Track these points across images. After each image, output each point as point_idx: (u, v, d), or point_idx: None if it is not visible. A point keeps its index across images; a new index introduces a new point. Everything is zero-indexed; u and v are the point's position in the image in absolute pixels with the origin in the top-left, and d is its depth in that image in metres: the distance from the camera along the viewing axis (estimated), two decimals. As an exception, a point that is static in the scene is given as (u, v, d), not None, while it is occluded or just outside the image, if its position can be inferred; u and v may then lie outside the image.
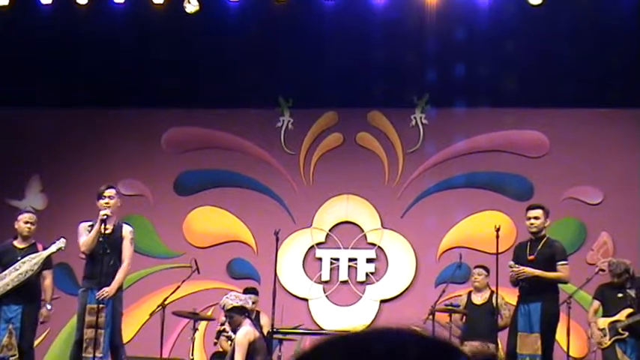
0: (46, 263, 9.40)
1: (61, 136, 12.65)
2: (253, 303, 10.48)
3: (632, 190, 11.81)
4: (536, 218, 9.14)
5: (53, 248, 9.30)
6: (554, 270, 9.01)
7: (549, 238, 9.24)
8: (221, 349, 10.25)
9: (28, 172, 12.70)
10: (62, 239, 9.31)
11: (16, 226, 9.57)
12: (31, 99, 12.40)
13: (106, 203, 8.89)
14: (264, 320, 10.51)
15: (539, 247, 9.10)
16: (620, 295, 9.83)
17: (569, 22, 11.11)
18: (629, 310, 9.73)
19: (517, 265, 9.02)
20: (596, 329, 9.82)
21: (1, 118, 12.75)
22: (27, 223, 9.54)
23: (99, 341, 8.57)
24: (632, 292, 9.79)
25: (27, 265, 9.28)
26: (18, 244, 9.51)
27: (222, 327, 9.52)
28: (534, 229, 9.15)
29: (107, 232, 8.80)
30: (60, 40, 11.67)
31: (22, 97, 12.34)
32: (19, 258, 9.34)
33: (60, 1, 11.35)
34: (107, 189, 9.03)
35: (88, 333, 8.66)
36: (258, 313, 10.57)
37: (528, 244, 9.23)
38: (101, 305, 8.65)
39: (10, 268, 9.28)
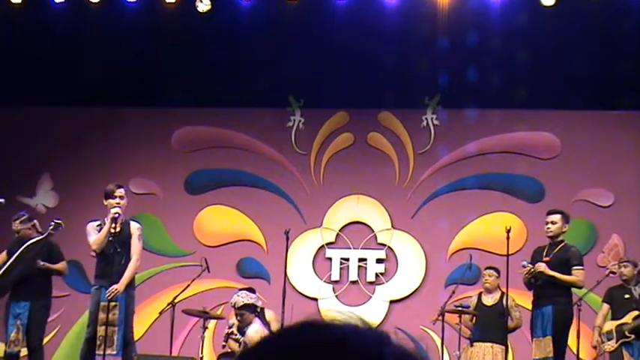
0: (55, 255, 9.40)
1: (72, 134, 12.67)
2: None
3: (644, 192, 11.78)
4: (553, 223, 9.19)
5: (49, 230, 9.25)
6: (569, 274, 9.02)
7: (567, 244, 9.29)
8: (229, 350, 10.25)
9: (39, 170, 12.73)
10: (54, 220, 9.26)
11: None
12: (43, 97, 12.42)
13: (117, 203, 8.91)
14: (269, 315, 10.51)
15: (556, 250, 9.15)
16: (627, 296, 9.86)
17: (580, 24, 11.09)
18: (636, 313, 9.74)
19: (530, 264, 9.06)
20: (597, 334, 9.84)
21: (12, 116, 12.78)
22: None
23: (112, 339, 8.59)
24: (637, 290, 9.82)
25: (23, 247, 9.27)
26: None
27: (230, 330, 9.53)
28: (551, 234, 9.21)
29: (116, 231, 8.82)
30: (72, 38, 11.70)
31: (33, 95, 12.36)
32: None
33: (72, 0, 11.38)
34: (118, 188, 9.05)
35: (102, 330, 8.69)
36: (262, 309, 10.57)
37: (546, 247, 9.27)
38: (112, 303, 8.67)
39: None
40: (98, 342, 8.67)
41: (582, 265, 9.18)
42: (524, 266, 9.09)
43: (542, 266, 8.99)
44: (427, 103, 12.36)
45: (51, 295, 9.56)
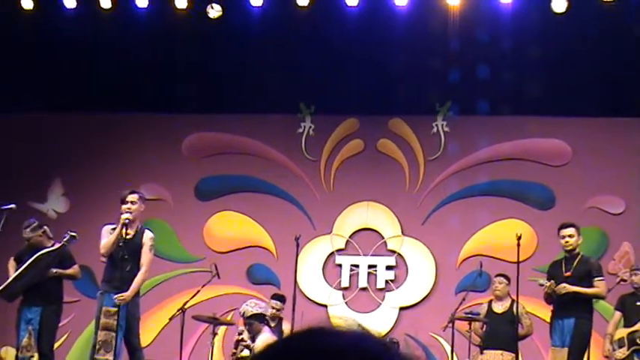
0: (68, 259, 9.41)
1: (84, 140, 12.70)
2: (278, 310, 10.45)
3: (655, 199, 11.74)
4: (570, 236, 9.20)
5: (63, 242, 9.26)
6: (590, 286, 9.02)
7: (583, 255, 9.31)
8: (239, 356, 10.24)
9: (50, 175, 12.76)
10: (69, 232, 9.27)
11: None
12: (54, 103, 12.46)
13: (128, 208, 8.89)
14: (286, 327, 10.50)
15: (575, 264, 9.15)
16: (638, 303, 9.84)
17: (592, 30, 11.07)
18: (648, 321, 9.74)
19: (550, 282, 9.03)
20: (608, 343, 9.82)
21: (24, 122, 12.81)
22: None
23: (111, 344, 8.58)
24: None
25: (36, 256, 9.27)
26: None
27: (240, 337, 9.52)
28: (570, 247, 9.20)
29: (128, 237, 8.79)
30: (83, 44, 11.72)
31: (44, 101, 12.40)
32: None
33: (84, 6, 11.42)
34: (130, 194, 9.03)
35: (102, 335, 8.68)
36: (281, 319, 10.55)
37: (563, 261, 9.27)
38: (114, 309, 8.66)
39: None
40: (97, 346, 8.66)
41: (603, 275, 9.22)
42: (541, 285, 9.09)
43: (563, 288, 8.95)
44: (437, 109, 12.35)
45: (62, 301, 9.57)
